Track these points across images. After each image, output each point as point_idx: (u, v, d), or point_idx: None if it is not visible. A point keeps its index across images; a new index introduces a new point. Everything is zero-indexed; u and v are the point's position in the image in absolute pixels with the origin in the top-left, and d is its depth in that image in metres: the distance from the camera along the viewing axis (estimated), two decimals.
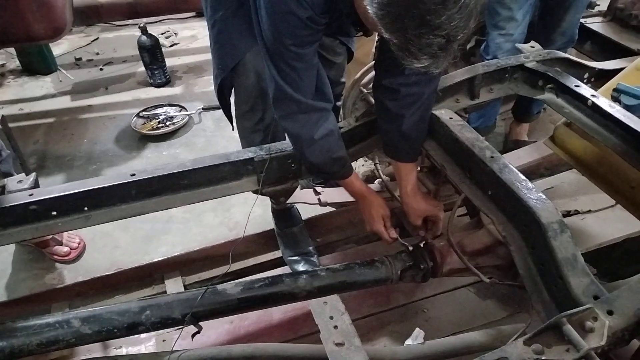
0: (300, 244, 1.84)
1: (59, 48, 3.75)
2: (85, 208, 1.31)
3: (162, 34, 3.89)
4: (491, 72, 1.59)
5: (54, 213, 1.28)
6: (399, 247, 1.46)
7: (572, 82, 1.49)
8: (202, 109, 3.02)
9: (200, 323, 1.24)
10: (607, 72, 1.68)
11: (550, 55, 1.63)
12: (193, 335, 1.26)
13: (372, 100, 1.51)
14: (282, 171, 1.47)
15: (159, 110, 3.02)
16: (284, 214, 1.90)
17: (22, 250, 2.11)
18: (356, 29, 1.35)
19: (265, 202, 1.87)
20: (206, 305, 1.23)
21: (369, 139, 1.56)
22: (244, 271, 1.80)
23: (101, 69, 3.57)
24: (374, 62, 1.44)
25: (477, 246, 1.39)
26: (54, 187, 1.30)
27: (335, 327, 1.21)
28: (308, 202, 1.76)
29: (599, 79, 1.69)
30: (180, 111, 3.00)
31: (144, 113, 2.99)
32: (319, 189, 1.76)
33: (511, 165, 1.25)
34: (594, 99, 1.39)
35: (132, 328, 1.19)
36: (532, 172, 1.85)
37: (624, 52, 2.26)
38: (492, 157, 1.27)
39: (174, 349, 1.23)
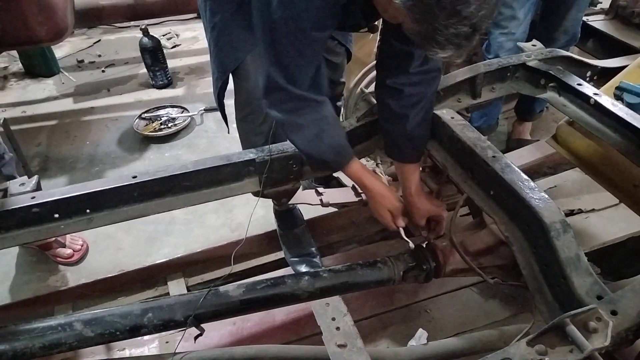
0: (302, 245, 1.84)
1: (61, 50, 3.76)
2: (88, 210, 1.31)
3: (163, 35, 3.90)
4: (493, 71, 1.58)
5: (57, 215, 1.28)
6: (402, 247, 1.46)
7: (575, 81, 1.48)
8: (204, 110, 3.03)
9: (202, 325, 1.24)
10: (610, 70, 1.68)
11: (552, 53, 1.62)
12: (196, 338, 1.26)
13: (374, 100, 1.50)
14: (284, 172, 1.46)
15: (161, 112, 3.02)
16: (286, 215, 1.90)
17: (26, 253, 2.11)
18: (364, 23, 1.33)
19: (268, 203, 1.87)
20: (208, 307, 1.23)
21: (371, 139, 1.56)
22: (246, 272, 1.80)
23: (103, 71, 3.58)
24: (375, 62, 1.43)
25: (479, 246, 1.39)
26: (57, 189, 1.30)
27: (338, 328, 1.20)
28: (310, 202, 1.75)
29: (601, 77, 1.69)
30: (182, 112, 3.01)
31: (146, 115, 2.99)
32: (320, 189, 1.76)
33: (513, 164, 1.24)
34: (596, 98, 1.38)
35: (135, 330, 1.19)
36: (535, 171, 1.84)
37: (627, 50, 2.25)
38: (494, 156, 1.27)
39: (176, 351, 1.24)
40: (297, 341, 1.64)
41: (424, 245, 1.44)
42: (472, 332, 1.56)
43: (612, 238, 1.48)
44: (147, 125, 2.91)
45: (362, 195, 1.76)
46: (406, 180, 1.46)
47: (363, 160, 2.34)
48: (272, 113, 1.27)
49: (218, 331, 1.67)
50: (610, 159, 1.39)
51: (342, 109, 2.24)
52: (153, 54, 3.17)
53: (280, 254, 1.87)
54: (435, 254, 1.39)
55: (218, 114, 2.55)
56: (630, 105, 1.37)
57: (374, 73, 1.54)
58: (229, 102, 1.62)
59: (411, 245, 1.39)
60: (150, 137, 2.82)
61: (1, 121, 2.28)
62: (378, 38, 1.37)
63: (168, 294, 1.72)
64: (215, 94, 1.56)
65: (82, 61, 3.71)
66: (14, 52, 3.54)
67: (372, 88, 1.70)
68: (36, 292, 1.88)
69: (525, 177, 1.20)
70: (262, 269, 1.84)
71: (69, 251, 2.05)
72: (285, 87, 1.18)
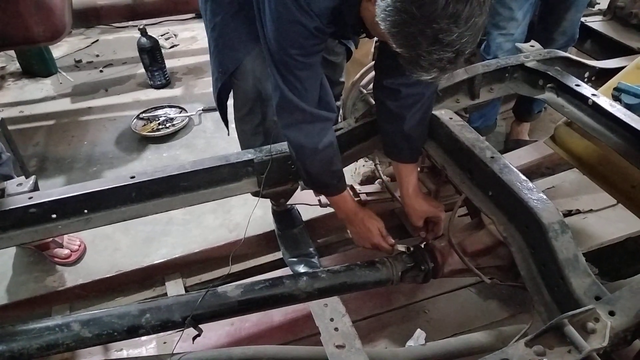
0: (300, 245, 1.84)
1: (58, 50, 3.75)
2: (85, 211, 1.31)
3: (161, 35, 3.89)
4: (491, 71, 1.58)
5: (54, 216, 1.28)
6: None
7: (573, 82, 1.48)
8: (202, 110, 3.02)
9: (200, 325, 1.24)
10: (608, 71, 1.68)
11: (551, 54, 1.63)
12: (194, 338, 1.25)
13: (372, 100, 1.50)
14: (282, 172, 1.46)
15: (159, 112, 3.02)
16: (284, 215, 1.89)
17: (23, 253, 2.10)
18: (359, 34, 1.35)
19: (266, 203, 1.86)
20: (206, 307, 1.23)
21: (369, 139, 1.56)
22: (245, 273, 1.80)
23: (101, 71, 3.57)
24: (373, 62, 1.43)
25: (478, 247, 1.39)
26: (54, 189, 1.29)
27: (336, 329, 1.20)
28: (308, 203, 1.75)
29: (599, 78, 1.69)
30: (180, 113, 3.00)
31: (144, 115, 2.98)
32: None
33: (511, 165, 1.24)
34: (594, 98, 1.38)
35: (132, 331, 1.19)
36: (533, 171, 1.84)
37: (625, 51, 2.26)
38: (492, 157, 1.27)
39: (174, 352, 1.23)
40: (295, 342, 1.64)
41: (422, 246, 1.44)
42: (470, 333, 1.56)
43: (610, 238, 1.48)
44: (145, 125, 2.91)
45: (361, 195, 1.76)
46: (404, 181, 1.46)
47: (361, 161, 2.36)
48: (288, 136, 1.31)
49: (216, 332, 1.66)
50: (608, 159, 1.39)
51: (340, 109, 2.24)
52: (151, 54, 3.16)
53: (278, 255, 1.87)
54: (434, 254, 1.39)
55: (216, 114, 2.55)
56: (628, 106, 1.37)
57: (373, 73, 1.54)
58: (229, 102, 1.61)
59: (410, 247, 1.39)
60: (148, 137, 2.82)
61: None
62: (376, 39, 1.37)
63: (166, 294, 1.72)
64: (215, 95, 1.56)
65: (79, 61, 3.70)
66: (12, 52, 3.53)
67: (370, 88, 1.70)
68: (33, 293, 1.87)
69: (524, 177, 1.20)
70: (260, 269, 1.84)
71: (66, 251, 2.05)
72: (300, 106, 1.22)
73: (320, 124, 1.27)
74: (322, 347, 1.19)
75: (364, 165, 2.38)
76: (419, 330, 1.66)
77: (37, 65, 3.46)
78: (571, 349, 0.82)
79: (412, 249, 1.42)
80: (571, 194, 1.63)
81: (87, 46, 3.93)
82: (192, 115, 2.98)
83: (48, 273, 2.03)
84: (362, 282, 1.36)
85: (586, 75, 1.68)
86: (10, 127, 2.41)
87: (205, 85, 3.33)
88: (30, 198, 1.26)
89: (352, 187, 1.73)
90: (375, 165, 1.77)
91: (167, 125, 2.89)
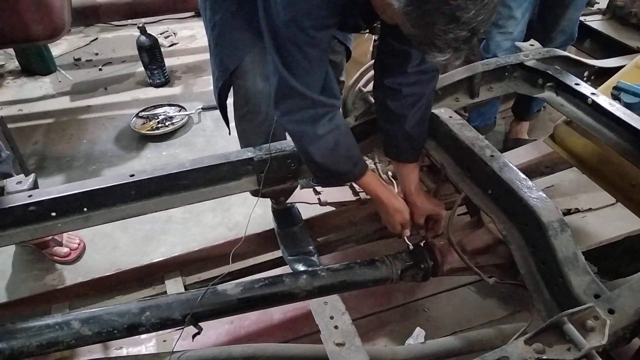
0: (300, 243, 1.84)
1: (57, 48, 3.75)
2: (85, 209, 1.31)
3: (161, 34, 3.89)
4: (491, 70, 1.58)
5: (54, 214, 1.28)
6: (400, 246, 1.46)
7: (572, 80, 1.48)
8: (202, 108, 3.02)
9: (200, 323, 1.24)
10: (607, 70, 1.68)
11: (550, 53, 1.63)
12: (194, 336, 1.25)
13: (372, 99, 1.50)
14: (282, 171, 1.46)
15: (158, 111, 3.02)
16: (284, 213, 1.89)
17: (22, 251, 2.10)
18: (364, 24, 1.33)
19: (266, 202, 1.86)
20: (206, 305, 1.23)
21: (369, 138, 1.56)
22: (244, 271, 1.80)
23: (100, 69, 3.57)
24: (372, 61, 1.43)
25: (477, 245, 1.39)
26: (53, 188, 1.29)
27: (336, 327, 1.21)
28: (308, 201, 1.75)
29: (598, 77, 1.69)
30: (179, 111, 3.00)
31: (143, 113, 2.98)
32: (318, 188, 1.76)
33: (511, 163, 1.24)
34: (593, 97, 1.39)
35: (132, 329, 1.19)
36: (532, 170, 1.84)
37: (624, 50, 2.26)
38: (492, 155, 1.27)
39: (174, 350, 1.23)
40: (295, 340, 1.64)
41: (422, 244, 1.44)
42: (469, 331, 1.57)
43: (610, 237, 1.48)
44: (144, 123, 2.90)
45: (360, 194, 1.76)
46: (405, 180, 1.46)
47: None
48: (287, 125, 1.26)
49: (216, 330, 1.67)
50: (607, 158, 1.39)
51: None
52: (150, 52, 3.16)
53: (278, 253, 1.87)
54: (433, 252, 1.39)
55: (215, 112, 2.54)
56: (627, 105, 1.38)
57: (372, 72, 1.54)
58: (229, 101, 1.61)
59: (411, 247, 1.39)
60: (148, 135, 2.81)
61: None
62: (374, 38, 1.37)
63: (165, 292, 1.71)
64: (215, 94, 1.56)
65: (79, 59, 3.70)
66: (11, 50, 3.53)
67: (370, 87, 1.70)
68: (33, 291, 1.87)
69: (523, 176, 1.20)
70: (260, 267, 1.84)
71: (65, 250, 2.05)
72: (301, 90, 1.16)
73: (322, 109, 1.21)
74: (322, 345, 1.19)
75: None
76: (418, 328, 1.66)
77: (36, 63, 3.45)
78: (570, 347, 0.82)
79: (412, 247, 1.41)
80: (570, 192, 1.64)
81: (87, 44, 3.93)
82: (191, 113, 2.98)
83: (47, 271, 2.03)
84: (362, 280, 1.36)
85: (586, 74, 1.68)
86: (9, 126, 2.41)
87: (205, 84, 3.32)
88: (29, 196, 1.26)
89: (351, 186, 1.73)
90: (375, 163, 1.77)
91: (167, 123, 2.89)
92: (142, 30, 3.12)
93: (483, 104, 1.88)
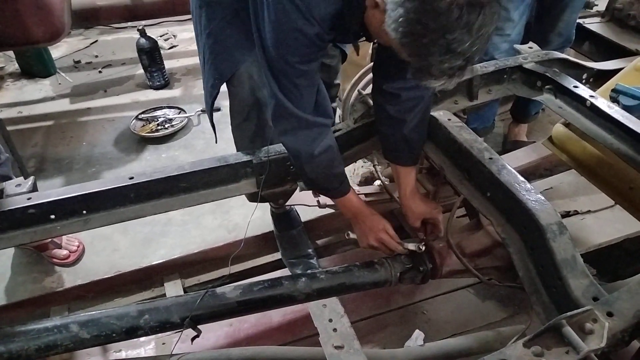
0: (299, 246, 1.84)
1: (57, 51, 3.75)
2: (84, 211, 1.31)
3: (160, 36, 3.89)
4: (489, 73, 1.59)
5: (53, 216, 1.28)
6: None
7: (571, 83, 1.49)
8: (201, 111, 3.02)
9: (199, 326, 1.24)
10: (606, 73, 1.69)
11: (549, 55, 1.63)
12: (193, 339, 1.25)
13: (371, 102, 1.51)
14: (281, 173, 1.46)
15: (158, 113, 3.02)
16: (283, 216, 1.89)
17: (21, 254, 2.10)
18: (359, 38, 1.34)
19: (265, 204, 1.86)
20: (205, 308, 1.23)
21: (368, 140, 1.56)
22: (243, 273, 1.80)
23: (100, 72, 3.57)
24: (371, 64, 1.43)
25: (476, 247, 1.39)
26: (53, 190, 1.29)
27: (335, 329, 1.21)
28: (307, 204, 1.76)
29: (597, 79, 1.70)
30: (179, 113, 3.00)
31: (142, 115, 2.98)
32: None
33: (510, 166, 1.25)
34: (592, 100, 1.39)
35: (131, 332, 1.19)
36: (531, 172, 1.85)
37: (623, 53, 2.26)
38: (490, 158, 1.27)
39: (173, 353, 1.23)
40: (294, 342, 1.63)
41: (422, 247, 1.44)
42: (468, 333, 1.57)
43: (608, 239, 1.49)
44: (144, 126, 2.91)
45: (359, 196, 1.76)
46: (402, 182, 1.46)
47: (360, 162, 2.36)
48: (285, 143, 1.30)
49: (215, 332, 1.66)
50: (605, 161, 1.39)
51: (338, 111, 2.24)
52: (150, 54, 3.16)
53: (277, 255, 1.87)
54: (432, 255, 1.39)
55: (215, 114, 2.54)
56: (626, 108, 1.38)
57: (371, 75, 1.54)
58: (225, 103, 1.60)
59: (421, 247, 1.38)
60: (147, 138, 2.81)
61: None
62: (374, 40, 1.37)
63: (165, 295, 1.72)
64: (207, 101, 1.55)
65: (78, 62, 3.70)
66: (11, 52, 3.53)
67: (369, 89, 1.71)
68: (32, 294, 1.87)
69: (522, 178, 1.20)
70: (259, 270, 1.84)
71: (65, 252, 2.05)
72: (296, 113, 1.21)
73: (316, 129, 1.27)
74: (320, 348, 1.19)
75: (362, 166, 2.38)
76: (417, 331, 1.66)
77: (36, 65, 3.45)
78: (569, 350, 0.82)
79: (422, 247, 1.38)
80: (569, 195, 1.64)
81: (86, 47, 3.93)
82: (191, 116, 2.98)
83: (47, 274, 2.02)
84: (361, 282, 1.36)
85: (584, 76, 1.69)
86: (9, 128, 2.41)
87: None
88: (29, 199, 1.26)
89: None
90: (374, 166, 1.77)
91: (166, 126, 2.89)
92: (142, 33, 3.12)
93: (482, 107, 1.87)
